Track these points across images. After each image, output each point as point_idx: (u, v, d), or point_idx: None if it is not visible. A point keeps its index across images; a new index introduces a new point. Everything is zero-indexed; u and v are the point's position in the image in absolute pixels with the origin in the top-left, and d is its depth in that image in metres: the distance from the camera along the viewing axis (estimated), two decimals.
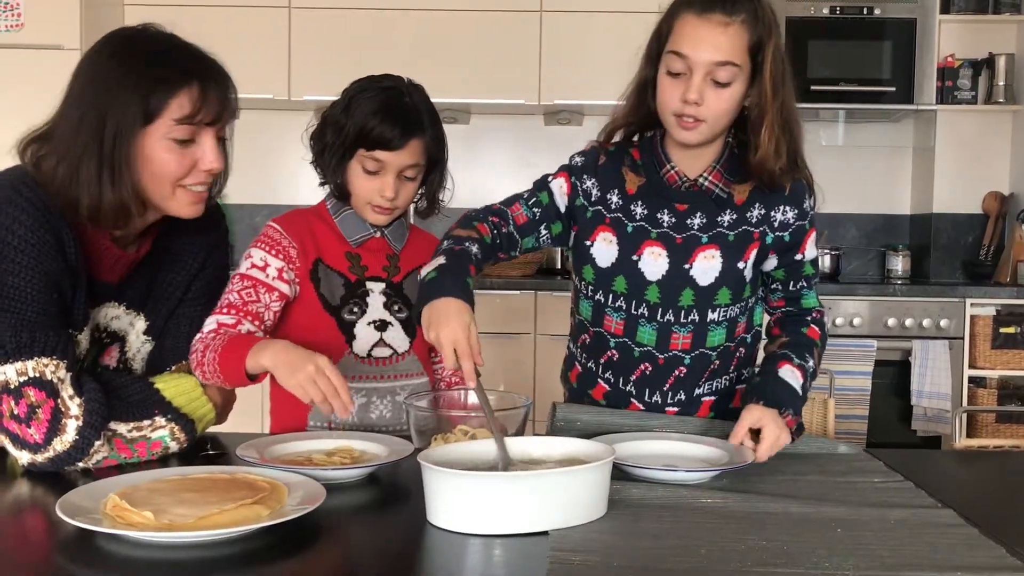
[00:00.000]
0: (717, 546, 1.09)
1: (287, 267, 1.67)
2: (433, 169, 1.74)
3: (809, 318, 1.67)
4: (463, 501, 1.12)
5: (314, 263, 1.70)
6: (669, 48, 1.51)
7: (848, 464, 1.50)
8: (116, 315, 1.52)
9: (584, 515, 1.16)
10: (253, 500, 1.12)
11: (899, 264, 4.13)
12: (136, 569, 1.02)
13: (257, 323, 1.61)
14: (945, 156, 4.10)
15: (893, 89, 3.93)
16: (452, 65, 3.89)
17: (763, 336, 1.73)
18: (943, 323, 3.67)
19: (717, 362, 1.65)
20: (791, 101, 1.55)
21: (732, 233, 1.60)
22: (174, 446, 1.45)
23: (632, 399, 1.66)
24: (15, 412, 1.32)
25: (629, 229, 1.62)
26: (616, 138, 1.68)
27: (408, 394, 1.68)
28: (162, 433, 1.43)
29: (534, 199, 1.66)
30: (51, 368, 1.33)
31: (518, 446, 1.29)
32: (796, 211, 1.62)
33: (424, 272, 1.46)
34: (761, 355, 1.69)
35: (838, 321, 3.69)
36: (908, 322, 3.67)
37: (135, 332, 1.55)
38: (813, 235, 1.65)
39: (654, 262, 1.61)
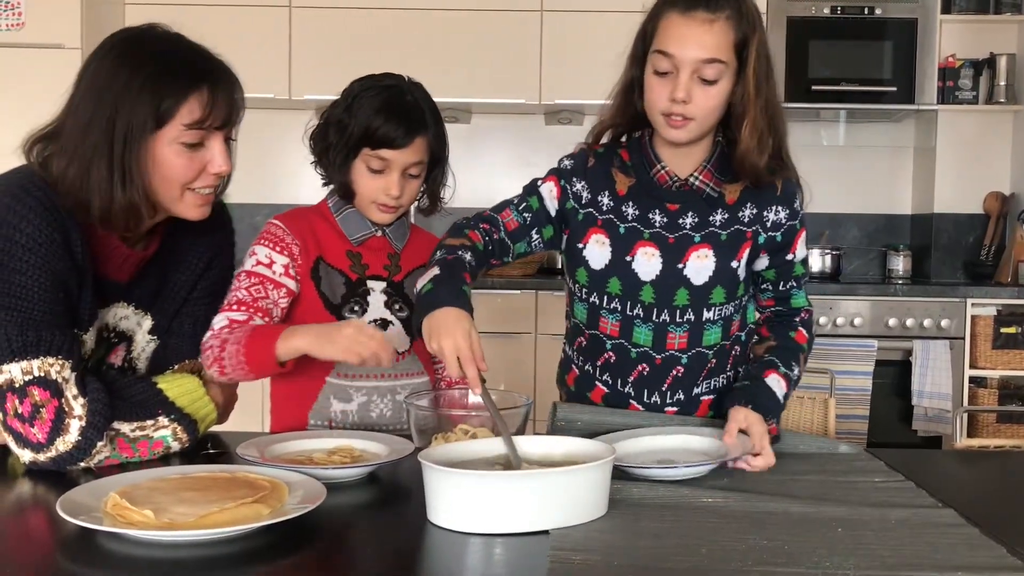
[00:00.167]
0: (718, 545, 1.09)
1: (292, 264, 1.68)
2: (435, 166, 1.75)
3: (797, 319, 1.67)
4: (464, 500, 1.12)
5: (315, 261, 1.71)
6: (655, 48, 1.51)
7: (849, 464, 1.50)
8: (125, 315, 1.53)
9: (585, 514, 1.16)
10: (253, 499, 1.12)
11: (900, 264, 4.13)
12: (137, 568, 1.02)
13: (267, 319, 1.62)
14: (946, 156, 4.10)
15: (894, 89, 3.93)
16: (453, 64, 3.89)
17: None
18: (944, 323, 3.67)
19: (714, 361, 1.66)
20: (775, 97, 1.55)
21: (725, 232, 1.60)
22: (176, 446, 1.45)
23: (631, 400, 1.66)
24: (19, 411, 1.32)
25: (621, 230, 1.62)
26: (604, 139, 1.68)
27: (408, 393, 1.67)
28: (164, 433, 1.43)
29: (524, 204, 1.66)
30: (56, 368, 1.33)
31: (519, 446, 1.29)
32: (788, 211, 1.62)
33: (419, 285, 1.47)
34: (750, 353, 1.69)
35: (839, 321, 3.69)
36: (909, 322, 3.67)
37: (142, 332, 1.55)
38: (803, 235, 1.66)
39: (647, 262, 1.61)
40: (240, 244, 1.69)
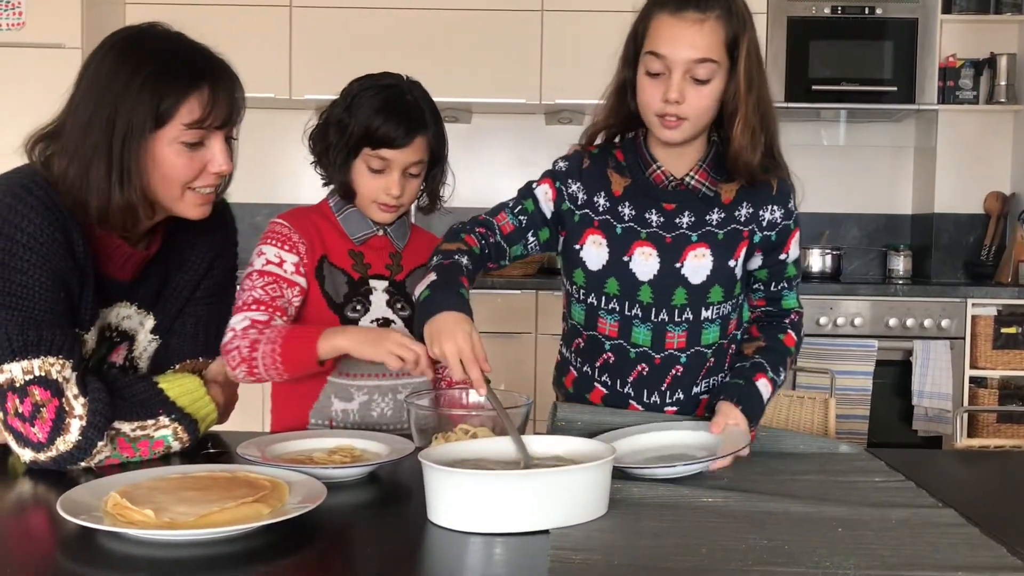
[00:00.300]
0: (718, 545, 1.09)
1: (300, 262, 1.68)
2: (435, 165, 1.75)
3: (787, 321, 1.68)
4: (464, 500, 1.12)
5: (320, 260, 1.71)
6: (646, 49, 1.51)
7: (849, 464, 1.50)
8: (128, 315, 1.53)
9: (585, 514, 1.16)
10: (254, 499, 1.12)
11: (900, 264, 4.13)
12: (137, 567, 1.02)
13: (285, 318, 1.63)
14: (946, 156, 4.10)
15: (894, 89, 3.93)
16: (453, 64, 3.89)
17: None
18: (944, 323, 3.67)
19: (712, 360, 1.66)
20: (767, 94, 1.55)
21: (721, 232, 1.61)
22: (176, 446, 1.45)
23: (631, 401, 1.66)
24: (19, 410, 1.32)
25: (618, 230, 1.62)
26: (598, 140, 1.68)
27: (409, 392, 1.68)
28: (165, 432, 1.43)
29: (519, 207, 1.66)
30: (56, 367, 1.33)
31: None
32: (783, 211, 1.62)
33: (418, 292, 1.48)
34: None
35: (839, 321, 3.69)
36: (909, 322, 3.67)
37: (144, 331, 1.55)
38: (797, 235, 1.66)
39: (645, 262, 1.61)
40: (240, 244, 1.69)
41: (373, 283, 1.74)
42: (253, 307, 1.60)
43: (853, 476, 1.43)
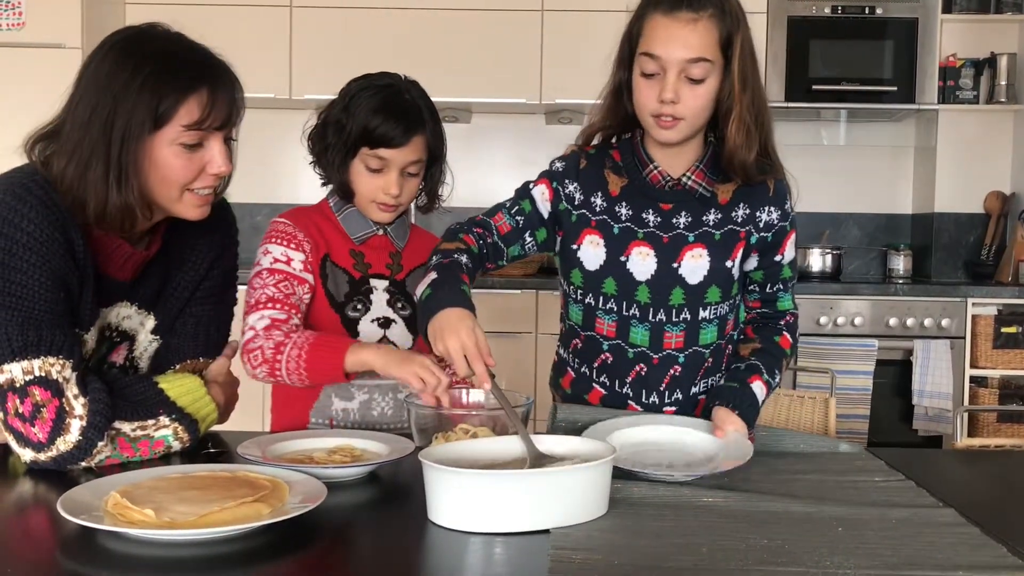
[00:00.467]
0: (718, 545, 1.09)
1: (307, 260, 1.68)
2: (433, 164, 1.75)
3: (782, 323, 1.68)
4: (464, 499, 1.12)
5: (323, 259, 1.71)
6: (641, 50, 1.52)
7: (849, 463, 1.50)
8: (128, 315, 1.52)
9: (585, 513, 1.16)
10: (254, 498, 1.12)
11: (901, 263, 4.13)
12: (137, 567, 1.02)
13: (300, 316, 1.63)
14: (947, 156, 4.10)
15: (895, 89, 3.93)
16: (453, 64, 3.89)
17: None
18: (944, 323, 3.67)
19: (710, 360, 1.66)
20: (761, 93, 1.55)
21: (719, 232, 1.61)
22: (177, 445, 1.45)
23: (629, 401, 1.66)
24: (20, 410, 1.32)
25: (615, 231, 1.62)
26: (595, 141, 1.68)
27: (409, 392, 1.67)
28: (165, 432, 1.43)
29: (516, 207, 1.66)
30: (57, 367, 1.33)
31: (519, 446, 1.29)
32: (779, 212, 1.62)
33: (419, 291, 1.48)
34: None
35: (839, 320, 3.69)
36: (909, 322, 3.67)
37: (144, 331, 1.55)
38: (793, 236, 1.66)
39: (642, 262, 1.61)
40: (240, 244, 1.69)
41: (374, 282, 1.74)
42: (269, 305, 1.60)
43: (853, 476, 1.42)
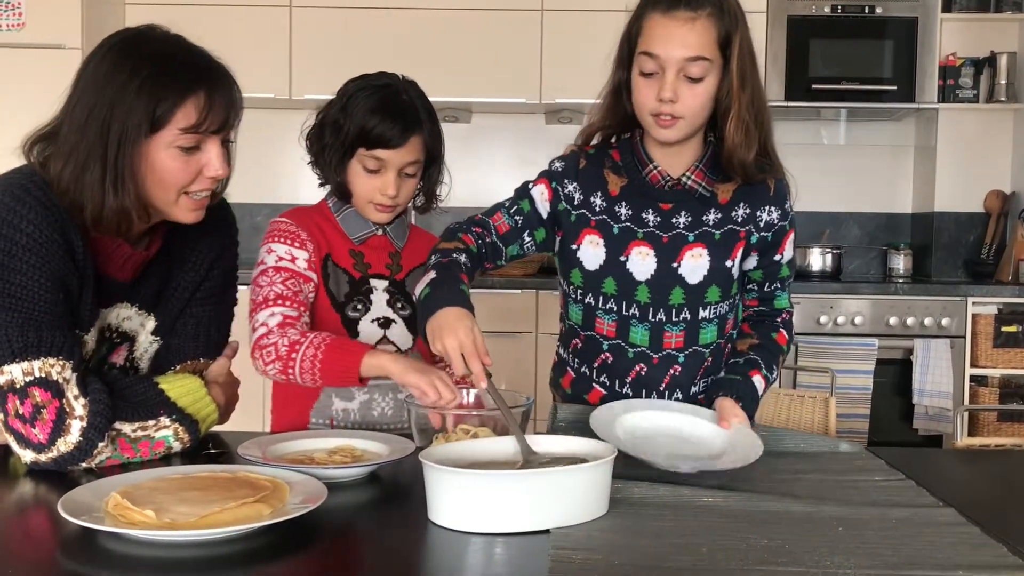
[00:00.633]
0: (719, 544, 1.09)
1: (310, 259, 1.68)
2: (431, 165, 1.75)
3: (779, 320, 1.69)
4: (464, 500, 1.12)
5: (324, 259, 1.71)
6: (640, 49, 1.52)
7: (849, 463, 1.50)
8: (128, 316, 1.52)
9: (585, 513, 1.16)
10: (254, 499, 1.12)
11: (901, 263, 4.13)
12: (138, 567, 1.02)
13: (308, 314, 1.63)
14: (947, 155, 4.10)
15: (895, 88, 3.93)
16: (453, 64, 3.89)
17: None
18: (945, 322, 3.67)
19: (710, 359, 1.66)
20: (760, 92, 1.56)
21: (718, 232, 1.61)
22: (177, 446, 1.45)
23: None
24: (20, 411, 1.32)
25: (615, 230, 1.62)
26: (594, 141, 1.68)
27: (409, 392, 1.67)
28: (166, 433, 1.43)
29: (515, 207, 1.66)
30: (57, 368, 1.33)
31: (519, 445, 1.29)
32: (779, 212, 1.63)
33: (418, 290, 1.48)
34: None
35: (840, 320, 3.69)
36: (910, 321, 3.67)
37: (145, 332, 1.55)
38: (792, 236, 1.66)
39: (642, 262, 1.61)
40: (240, 244, 1.69)
41: (373, 282, 1.74)
42: (279, 302, 1.60)
43: (854, 475, 1.42)
